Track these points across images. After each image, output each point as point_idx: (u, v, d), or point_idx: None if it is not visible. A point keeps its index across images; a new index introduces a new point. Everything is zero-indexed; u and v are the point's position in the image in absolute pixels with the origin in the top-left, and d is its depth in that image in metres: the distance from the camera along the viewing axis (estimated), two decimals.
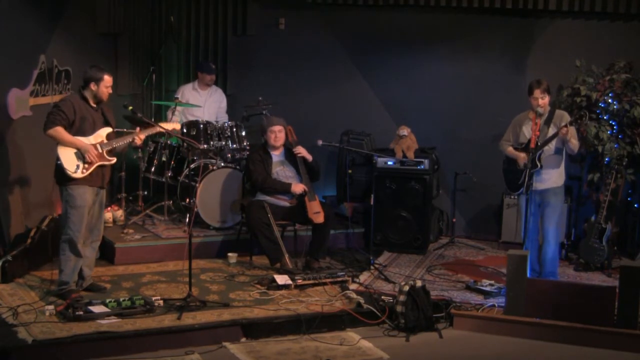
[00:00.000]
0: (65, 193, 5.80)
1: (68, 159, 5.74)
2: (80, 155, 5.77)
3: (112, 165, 6.06)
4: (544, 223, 6.56)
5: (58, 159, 5.74)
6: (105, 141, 5.90)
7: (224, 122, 8.03)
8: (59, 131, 5.70)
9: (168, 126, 6.44)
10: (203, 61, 8.57)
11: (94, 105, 5.90)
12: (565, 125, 6.23)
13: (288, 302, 6.01)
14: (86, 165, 5.77)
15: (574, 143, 6.40)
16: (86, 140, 5.79)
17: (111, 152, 5.93)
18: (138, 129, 6.19)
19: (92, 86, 5.84)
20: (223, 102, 8.47)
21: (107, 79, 5.88)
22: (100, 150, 5.83)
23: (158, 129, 6.31)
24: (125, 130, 6.58)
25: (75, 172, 5.74)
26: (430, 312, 5.82)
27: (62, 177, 5.76)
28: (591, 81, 7.66)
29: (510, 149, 6.62)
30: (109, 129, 5.96)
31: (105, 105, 6.01)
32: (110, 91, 5.95)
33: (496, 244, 8.07)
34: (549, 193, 6.49)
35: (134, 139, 6.02)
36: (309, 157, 7.06)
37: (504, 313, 5.90)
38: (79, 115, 5.78)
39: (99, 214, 6.03)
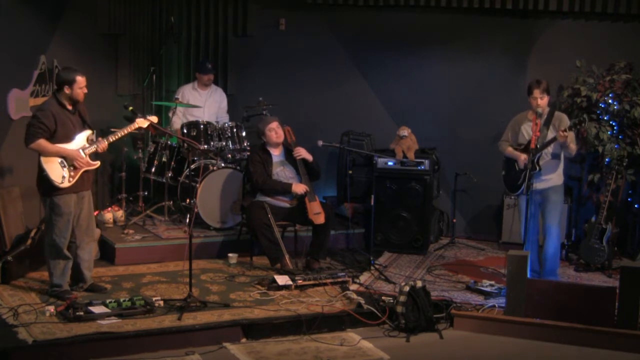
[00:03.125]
0: (50, 202, 5.75)
1: (53, 169, 5.67)
2: (64, 164, 5.71)
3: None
4: (545, 220, 6.56)
5: (43, 170, 5.66)
6: (87, 145, 5.83)
7: (225, 123, 8.03)
8: (41, 144, 5.62)
9: (142, 123, 6.11)
10: (201, 61, 8.57)
11: (71, 108, 5.79)
12: (565, 130, 6.23)
13: (288, 302, 6.01)
14: (72, 174, 5.72)
15: (572, 147, 6.41)
16: (69, 147, 5.73)
17: (93, 156, 5.86)
18: (100, 138, 5.97)
19: (66, 89, 5.72)
20: (223, 102, 8.47)
21: (80, 80, 5.73)
22: (84, 156, 5.78)
23: (120, 134, 6.03)
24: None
25: (62, 182, 5.69)
26: (431, 313, 5.82)
27: (48, 187, 5.71)
28: (591, 82, 7.67)
29: (510, 149, 6.62)
30: (88, 132, 5.88)
31: (81, 106, 5.90)
32: (85, 91, 5.79)
33: (496, 244, 8.08)
34: (550, 191, 6.50)
35: (97, 146, 5.86)
36: (309, 157, 7.06)
37: (504, 314, 5.90)
38: (59, 122, 5.68)
39: (89, 215, 6.00)
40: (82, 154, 5.78)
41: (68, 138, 5.75)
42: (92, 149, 5.84)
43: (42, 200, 5.88)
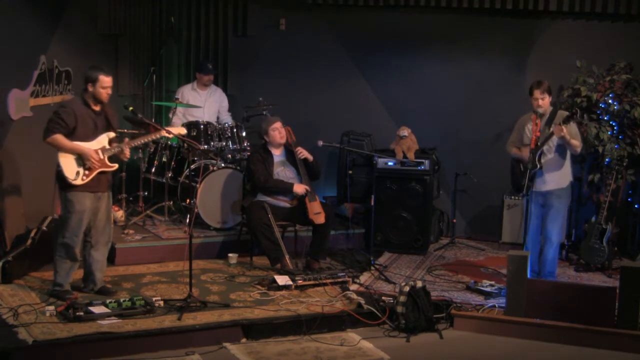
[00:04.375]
0: (64, 198, 5.76)
1: (68, 165, 5.67)
2: (81, 161, 5.70)
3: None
4: (546, 225, 6.53)
5: (58, 165, 5.68)
6: (107, 147, 5.81)
7: (225, 123, 8.02)
8: (58, 139, 5.62)
9: (174, 130, 6.23)
10: (201, 61, 8.57)
11: (96, 109, 5.79)
12: (559, 124, 6.21)
13: (288, 302, 6.01)
14: (86, 172, 5.71)
15: (574, 143, 6.35)
16: (88, 146, 5.72)
17: (112, 159, 5.85)
18: (126, 139, 6.01)
19: (89, 87, 5.72)
20: (224, 101, 8.46)
21: (103, 79, 5.70)
22: (101, 157, 5.77)
23: (145, 140, 6.15)
24: (126, 130, 6.51)
25: (75, 179, 5.68)
26: (431, 313, 5.82)
27: (62, 182, 5.72)
28: (592, 82, 7.67)
29: (515, 149, 6.60)
30: (111, 134, 5.86)
31: (109, 109, 5.90)
32: (109, 92, 5.78)
33: (496, 244, 8.07)
34: (552, 195, 6.46)
35: (122, 150, 5.85)
36: (310, 157, 7.06)
37: (504, 314, 5.90)
38: (80, 120, 5.68)
39: (106, 217, 5.99)
40: (100, 154, 5.76)
41: (88, 137, 5.74)
42: (112, 151, 5.82)
43: (60, 195, 5.87)
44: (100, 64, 8.09)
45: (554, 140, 6.37)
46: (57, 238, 5.88)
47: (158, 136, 6.19)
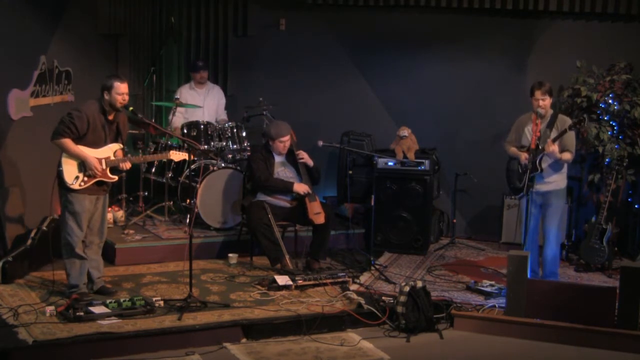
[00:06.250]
0: (64, 198, 5.77)
1: (69, 169, 5.68)
2: (83, 168, 5.70)
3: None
4: (545, 224, 6.54)
5: (60, 165, 5.69)
6: (112, 158, 5.82)
7: (225, 123, 8.01)
8: (65, 142, 5.63)
9: (176, 157, 6.22)
10: (192, 61, 8.57)
11: (110, 117, 5.78)
12: (566, 130, 6.19)
13: (288, 302, 6.01)
14: (85, 179, 5.72)
15: (566, 158, 6.34)
16: (93, 154, 5.73)
17: (114, 170, 5.84)
18: (129, 156, 6.02)
19: (105, 95, 5.72)
20: (222, 99, 8.46)
21: (118, 86, 5.70)
22: (104, 167, 5.77)
23: (149, 159, 6.27)
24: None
25: (73, 183, 5.69)
26: (431, 313, 5.82)
27: (61, 183, 5.74)
28: (592, 82, 7.67)
29: (514, 149, 6.58)
30: (118, 146, 5.88)
31: (122, 118, 5.90)
32: (126, 98, 5.75)
33: (497, 244, 8.08)
34: (551, 195, 6.46)
35: (125, 161, 5.86)
36: (310, 163, 7.05)
37: (504, 314, 5.90)
38: (92, 127, 5.68)
39: (102, 217, 6.00)
40: (103, 164, 5.76)
41: (96, 145, 5.75)
42: (115, 162, 5.82)
43: (59, 195, 5.87)
44: (100, 64, 8.20)
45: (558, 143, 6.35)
46: (61, 240, 5.89)
47: (164, 158, 6.18)
